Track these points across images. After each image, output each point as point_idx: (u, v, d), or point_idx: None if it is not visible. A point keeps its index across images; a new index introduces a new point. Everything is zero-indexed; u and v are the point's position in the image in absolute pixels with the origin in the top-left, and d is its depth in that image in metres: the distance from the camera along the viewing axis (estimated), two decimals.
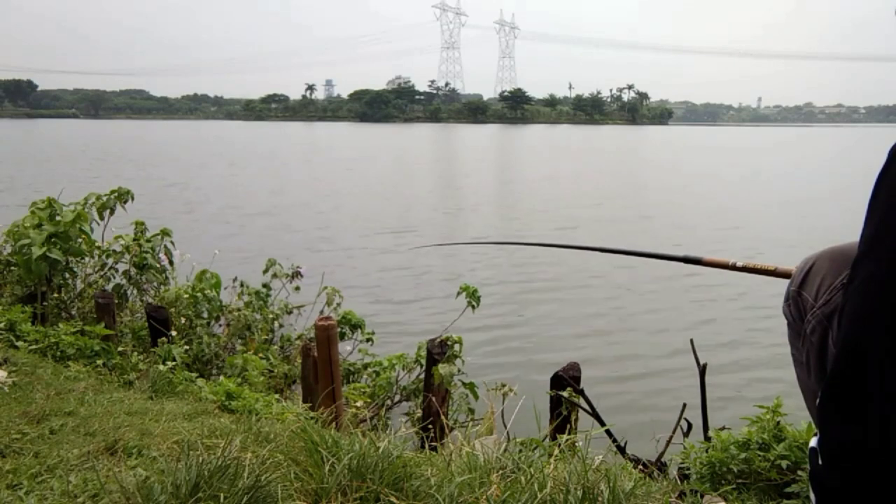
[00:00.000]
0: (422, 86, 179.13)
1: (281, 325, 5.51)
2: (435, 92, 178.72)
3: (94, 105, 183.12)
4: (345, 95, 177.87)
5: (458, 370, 4.11)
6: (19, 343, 3.68)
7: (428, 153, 50.35)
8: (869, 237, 0.95)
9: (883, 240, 0.91)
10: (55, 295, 4.99)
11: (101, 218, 5.45)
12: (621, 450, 2.90)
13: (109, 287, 5.35)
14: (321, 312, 5.13)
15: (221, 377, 3.96)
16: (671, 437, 3.03)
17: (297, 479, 1.74)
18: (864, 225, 0.96)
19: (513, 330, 8.12)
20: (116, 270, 5.47)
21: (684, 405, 3.05)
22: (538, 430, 2.74)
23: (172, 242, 5.59)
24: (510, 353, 7.27)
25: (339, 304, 5.46)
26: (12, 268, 5.02)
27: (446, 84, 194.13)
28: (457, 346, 4.17)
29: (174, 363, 3.83)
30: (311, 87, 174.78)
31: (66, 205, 5.03)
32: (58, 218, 4.84)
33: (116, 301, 4.99)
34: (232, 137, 68.33)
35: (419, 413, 4.25)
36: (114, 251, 5.40)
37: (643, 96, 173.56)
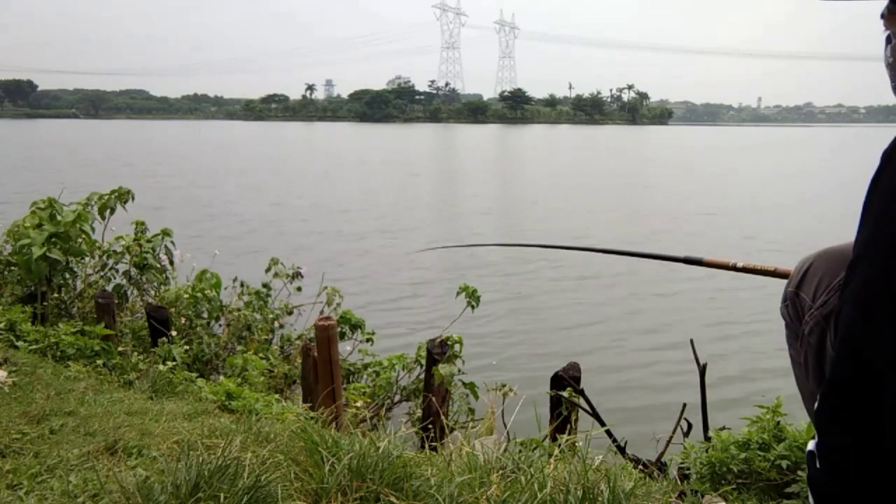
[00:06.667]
0: (422, 86, 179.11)
1: (281, 326, 5.51)
2: (435, 92, 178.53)
3: (94, 105, 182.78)
4: (345, 95, 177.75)
5: (458, 370, 4.11)
6: (19, 343, 3.68)
7: (431, 154, 50.34)
8: (864, 240, 0.95)
9: (878, 242, 0.91)
10: (55, 295, 4.99)
11: (103, 218, 5.46)
12: (621, 450, 2.90)
13: (110, 287, 5.35)
14: (321, 312, 5.13)
15: (221, 377, 3.96)
16: (671, 437, 3.04)
17: (297, 479, 1.75)
18: (859, 227, 0.96)
19: (513, 330, 8.13)
20: (117, 270, 5.47)
21: (684, 405, 3.06)
22: (538, 430, 2.74)
23: (173, 242, 5.59)
24: (510, 353, 7.27)
25: (339, 304, 5.46)
26: (12, 268, 5.02)
27: (446, 84, 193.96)
28: (457, 346, 4.17)
29: (174, 363, 3.83)
30: (311, 87, 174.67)
31: (67, 205, 5.03)
32: (58, 218, 4.84)
33: (116, 301, 4.99)
34: (241, 139, 67.76)
35: (419, 413, 4.25)
36: (114, 251, 5.41)
37: (643, 96, 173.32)
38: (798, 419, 2.28)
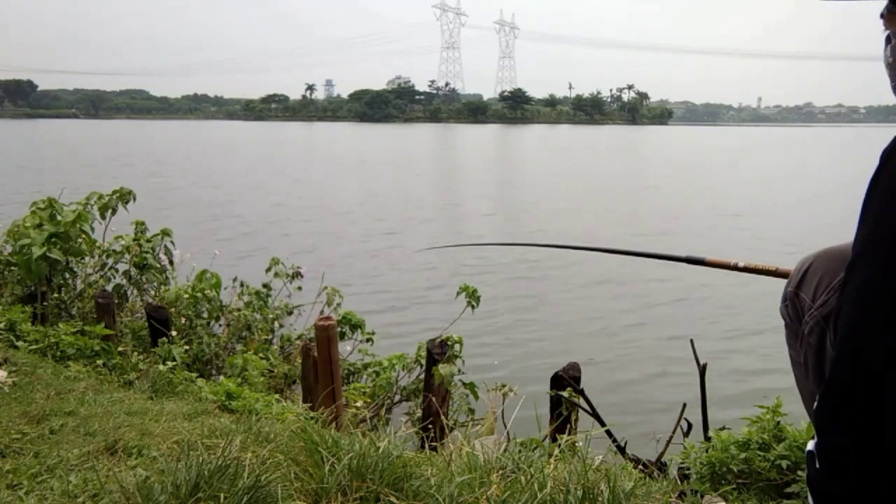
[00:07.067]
0: (422, 86, 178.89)
1: (281, 325, 5.51)
2: (435, 92, 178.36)
3: (94, 105, 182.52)
4: (345, 95, 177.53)
5: (459, 370, 4.11)
6: (19, 343, 3.68)
7: (432, 154, 50.31)
8: (863, 240, 0.95)
9: (877, 242, 0.91)
10: (55, 295, 4.99)
11: (103, 218, 5.46)
12: (621, 450, 2.90)
13: (109, 287, 5.35)
14: (321, 312, 5.13)
15: (221, 377, 3.96)
16: (671, 437, 3.04)
17: (297, 479, 1.75)
18: (859, 227, 0.96)
19: (513, 330, 8.12)
20: (117, 270, 5.47)
21: (684, 405, 3.06)
22: (538, 430, 2.74)
23: (172, 242, 5.59)
24: (510, 353, 7.26)
25: (339, 304, 5.46)
26: (12, 268, 5.02)
27: (446, 84, 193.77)
28: (457, 346, 4.17)
29: (174, 363, 3.83)
30: (311, 87, 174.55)
31: (67, 205, 5.03)
32: (58, 218, 4.85)
33: (116, 301, 4.99)
34: (241, 139, 67.58)
35: (419, 413, 4.25)
36: (114, 251, 5.40)
37: (643, 96, 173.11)
38: (798, 419, 2.28)
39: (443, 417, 3.77)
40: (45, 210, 4.84)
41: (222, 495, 1.57)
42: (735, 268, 2.13)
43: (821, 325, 1.46)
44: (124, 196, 5.51)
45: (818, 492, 0.95)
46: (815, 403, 0.98)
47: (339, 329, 4.53)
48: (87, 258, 5.34)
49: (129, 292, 5.47)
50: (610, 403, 5.10)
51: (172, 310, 4.89)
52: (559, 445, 2.00)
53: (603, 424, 2.99)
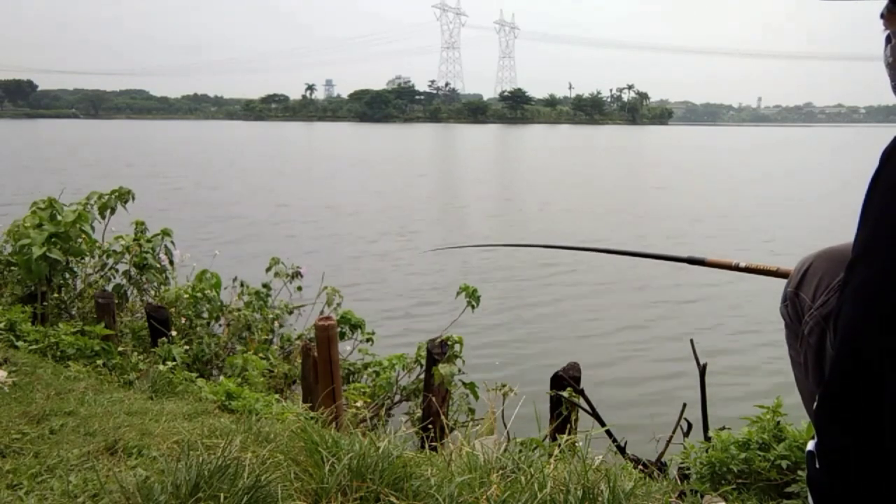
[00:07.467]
0: (422, 86, 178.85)
1: (281, 325, 5.50)
2: (435, 92, 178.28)
3: (94, 105, 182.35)
4: (345, 95, 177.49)
5: (459, 370, 4.11)
6: (19, 343, 3.68)
7: (434, 155, 50.29)
8: (863, 240, 0.95)
9: (877, 242, 0.91)
10: (55, 295, 4.99)
11: (103, 217, 5.46)
12: (621, 450, 2.90)
13: (109, 287, 5.35)
14: (321, 312, 5.13)
15: (221, 377, 3.96)
16: (671, 437, 3.04)
17: (297, 479, 1.75)
18: (859, 227, 0.96)
19: (513, 330, 8.12)
20: (117, 270, 5.47)
21: (684, 405, 3.06)
22: (538, 430, 2.74)
23: (172, 242, 5.59)
24: (510, 353, 7.26)
25: (339, 304, 5.46)
26: (12, 268, 5.02)
27: (446, 84, 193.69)
28: (457, 346, 4.17)
29: (174, 363, 3.83)
30: (311, 87, 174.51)
31: (67, 205, 5.03)
32: (58, 218, 4.85)
33: (116, 301, 4.98)
34: (242, 139, 67.70)
35: (419, 413, 4.25)
36: (114, 251, 5.40)
37: (643, 96, 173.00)
38: (798, 419, 2.28)
39: (443, 417, 3.76)
40: (45, 210, 4.84)
41: (222, 495, 1.57)
42: (736, 268, 2.13)
43: (821, 325, 1.46)
44: (123, 196, 5.51)
45: (819, 491, 0.95)
46: (815, 403, 0.98)
47: (339, 329, 4.53)
48: (87, 258, 5.34)
49: (129, 292, 5.47)
50: (610, 403, 5.09)
51: (172, 310, 4.89)
52: (559, 445, 2.00)
53: (603, 424, 2.99)
